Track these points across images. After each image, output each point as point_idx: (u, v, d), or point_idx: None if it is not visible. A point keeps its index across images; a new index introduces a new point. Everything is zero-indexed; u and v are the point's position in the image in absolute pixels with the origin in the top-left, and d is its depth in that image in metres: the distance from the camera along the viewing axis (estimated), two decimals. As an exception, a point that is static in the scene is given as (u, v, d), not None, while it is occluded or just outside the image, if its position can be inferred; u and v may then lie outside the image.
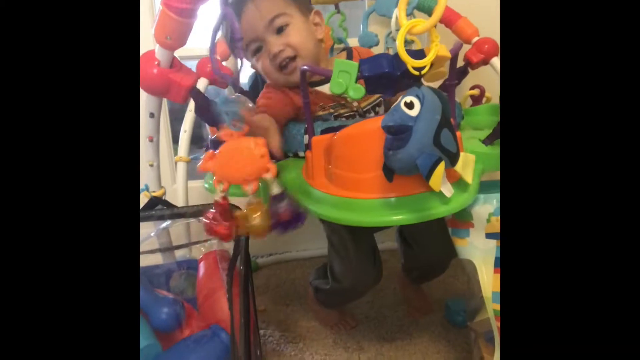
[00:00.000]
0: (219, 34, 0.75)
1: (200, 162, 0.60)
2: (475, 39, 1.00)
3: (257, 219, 0.60)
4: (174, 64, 0.69)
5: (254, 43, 0.75)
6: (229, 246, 0.73)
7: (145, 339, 0.59)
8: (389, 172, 0.60)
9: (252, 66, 0.82)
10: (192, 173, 0.97)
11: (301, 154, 0.80)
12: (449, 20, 1.04)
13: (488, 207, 0.65)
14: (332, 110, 0.79)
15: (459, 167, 0.59)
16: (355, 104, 0.77)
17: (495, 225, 0.64)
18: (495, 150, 0.71)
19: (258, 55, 0.76)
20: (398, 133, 0.56)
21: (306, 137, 0.76)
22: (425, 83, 0.65)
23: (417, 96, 0.57)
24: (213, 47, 0.63)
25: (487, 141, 0.73)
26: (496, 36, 0.96)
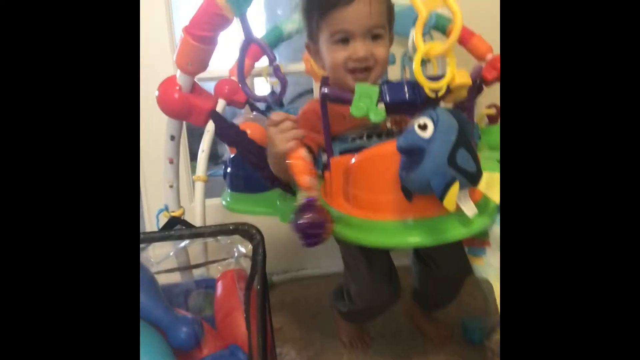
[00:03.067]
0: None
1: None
2: (490, 56, 1.01)
3: None
4: (194, 88, 0.71)
5: (343, 34, 0.72)
6: (246, 265, 0.74)
7: (164, 358, 0.60)
8: (407, 192, 0.60)
9: (314, 51, 0.79)
10: (210, 191, 0.99)
11: (319, 173, 0.81)
12: (463, 38, 1.05)
13: (504, 227, 0.65)
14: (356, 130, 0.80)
15: (482, 186, 0.59)
16: (388, 124, 0.77)
17: (512, 246, 0.64)
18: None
19: (337, 46, 0.74)
20: (411, 154, 0.57)
21: (325, 156, 0.77)
22: (443, 104, 0.65)
23: (431, 118, 0.57)
24: (241, 69, 0.65)
25: (505, 162, 0.73)
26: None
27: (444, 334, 0.93)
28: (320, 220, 0.59)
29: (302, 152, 0.62)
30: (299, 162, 0.61)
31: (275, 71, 0.65)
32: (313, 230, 0.59)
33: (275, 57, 0.67)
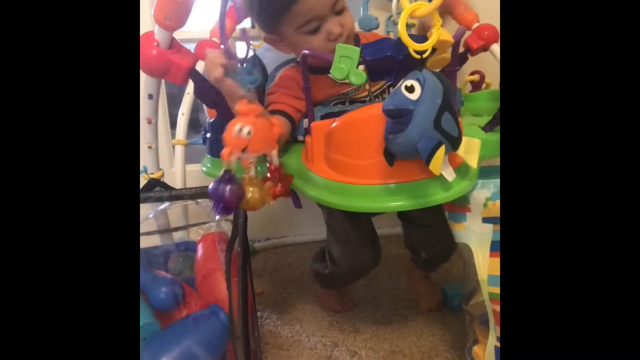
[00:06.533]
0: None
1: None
2: (476, 25, 0.99)
3: (251, 192, 0.61)
4: (173, 45, 0.69)
5: (315, 22, 0.72)
6: (227, 228, 0.74)
7: (144, 318, 0.60)
8: (390, 156, 0.60)
9: (274, 41, 0.79)
10: (190, 156, 0.98)
11: (300, 138, 0.80)
12: (449, 5, 1.03)
13: (485, 192, 0.66)
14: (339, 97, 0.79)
15: (461, 151, 0.59)
16: (367, 87, 0.77)
17: (492, 210, 0.65)
18: (495, 137, 0.72)
19: (309, 36, 0.73)
20: (398, 117, 0.56)
21: (306, 121, 0.76)
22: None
23: (418, 80, 0.57)
24: (223, 22, 0.63)
25: (487, 128, 0.73)
26: (496, 22, 0.95)
27: (432, 302, 0.93)
28: (229, 196, 0.59)
29: (237, 126, 0.59)
30: (228, 136, 0.59)
31: (242, 34, 0.63)
32: (220, 202, 0.59)
33: (243, 16, 0.65)
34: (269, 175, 0.64)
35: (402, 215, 0.87)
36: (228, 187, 0.59)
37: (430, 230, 0.82)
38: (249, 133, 0.58)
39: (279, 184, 0.65)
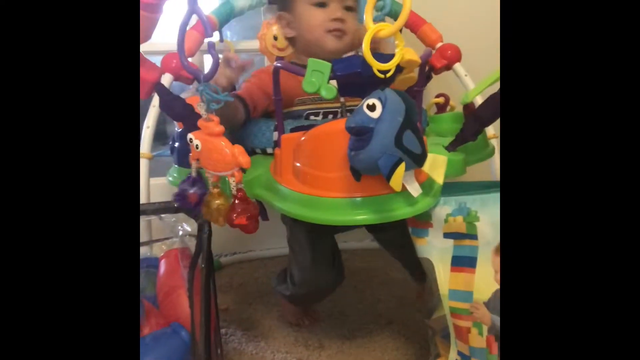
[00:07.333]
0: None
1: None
2: (439, 44, 1.03)
3: (210, 204, 0.63)
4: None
5: None
6: (192, 244, 0.73)
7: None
8: (356, 171, 0.61)
9: (286, 21, 0.86)
10: (155, 170, 0.96)
11: (269, 150, 0.81)
12: (414, 25, 1.06)
13: (446, 209, 0.67)
14: (312, 106, 0.80)
15: (426, 167, 0.61)
16: (341, 99, 0.79)
17: (453, 226, 0.66)
18: (457, 157, 0.74)
19: (315, 9, 0.81)
20: (359, 134, 0.58)
21: (275, 134, 0.77)
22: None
23: (379, 98, 0.58)
24: (182, 40, 0.62)
25: (450, 148, 0.75)
26: (459, 42, 0.99)
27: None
28: (190, 192, 0.65)
29: (189, 135, 0.63)
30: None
31: (209, 47, 0.63)
32: (181, 197, 0.65)
33: (211, 30, 0.64)
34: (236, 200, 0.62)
35: (370, 228, 0.89)
36: (192, 188, 0.65)
37: (401, 246, 0.84)
38: (197, 147, 0.62)
39: (238, 212, 0.62)
